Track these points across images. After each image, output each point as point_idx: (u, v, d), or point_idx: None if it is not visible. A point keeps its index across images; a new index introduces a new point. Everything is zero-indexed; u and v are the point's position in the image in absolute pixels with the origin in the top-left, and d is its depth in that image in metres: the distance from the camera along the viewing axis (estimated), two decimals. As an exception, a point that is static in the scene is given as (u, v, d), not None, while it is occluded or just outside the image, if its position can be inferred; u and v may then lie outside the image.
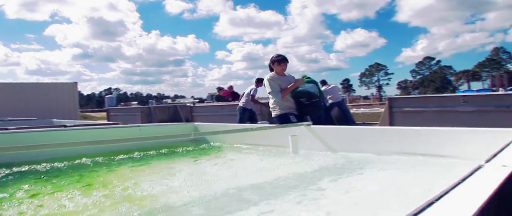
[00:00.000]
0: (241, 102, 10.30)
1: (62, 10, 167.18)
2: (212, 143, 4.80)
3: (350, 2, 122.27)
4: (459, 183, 1.08)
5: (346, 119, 12.18)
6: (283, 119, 4.97)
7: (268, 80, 5.16)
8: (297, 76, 5.55)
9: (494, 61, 77.76)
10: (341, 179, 2.76)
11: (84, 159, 3.73)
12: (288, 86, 5.08)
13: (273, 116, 5.27)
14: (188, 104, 15.50)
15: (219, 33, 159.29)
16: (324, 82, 12.26)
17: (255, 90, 10.17)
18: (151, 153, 4.20)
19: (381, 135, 3.35)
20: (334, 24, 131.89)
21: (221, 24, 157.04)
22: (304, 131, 3.80)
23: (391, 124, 8.23)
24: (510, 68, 76.10)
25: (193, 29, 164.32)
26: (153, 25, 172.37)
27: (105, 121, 17.94)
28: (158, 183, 2.91)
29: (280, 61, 5.23)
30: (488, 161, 1.27)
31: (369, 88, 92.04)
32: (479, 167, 1.21)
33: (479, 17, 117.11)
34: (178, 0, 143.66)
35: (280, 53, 5.23)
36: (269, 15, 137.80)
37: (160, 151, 4.32)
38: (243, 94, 10.47)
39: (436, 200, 0.94)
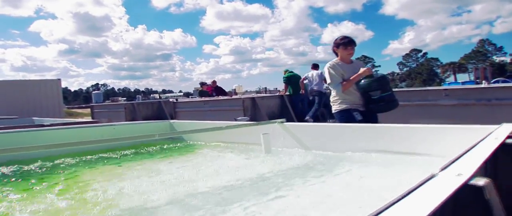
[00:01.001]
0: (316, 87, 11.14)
1: (47, 6, 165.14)
2: (188, 141, 4.73)
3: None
4: (409, 193, 1.00)
5: (328, 112, 12.03)
6: (344, 116, 4.12)
7: (329, 68, 4.23)
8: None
9: (480, 53, 78.33)
10: (310, 178, 2.69)
11: (56, 160, 3.67)
12: (352, 77, 4.10)
13: (333, 111, 4.31)
14: (171, 100, 15.31)
15: (206, 27, 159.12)
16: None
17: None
18: (126, 152, 4.13)
19: (355, 132, 3.27)
20: (321, 17, 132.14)
21: (208, 17, 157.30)
22: (278, 128, 3.72)
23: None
24: (496, 60, 76.87)
25: (180, 23, 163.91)
26: (139, 19, 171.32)
27: (86, 119, 17.80)
28: (129, 183, 2.84)
29: (346, 44, 4.21)
30: (443, 169, 1.18)
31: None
32: (432, 176, 1.12)
33: (465, 9, 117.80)
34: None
35: (346, 35, 4.33)
36: (256, 8, 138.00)
37: (136, 149, 4.25)
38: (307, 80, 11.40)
39: (382, 211, 0.86)
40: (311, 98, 11.54)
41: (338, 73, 4.14)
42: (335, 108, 4.21)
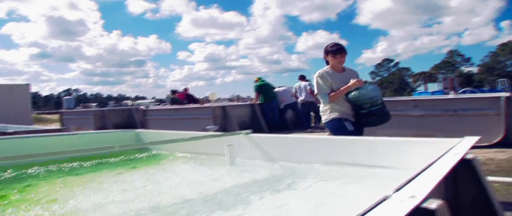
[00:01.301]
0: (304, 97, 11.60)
1: (20, 8, 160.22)
2: (153, 152, 4.62)
3: (312, 4, 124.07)
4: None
5: (299, 121, 12.15)
6: (335, 125, 3.93)
7: (317, 77, 4.00)
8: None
9: (449, 63, 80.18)
10: (272, 191, 2.65)
11: (14, 171, 3.56)
12: (341, 89, 3.88)
13: (323, 121, 4.12)
14: (141, 107, 15.10)
15: (182, 33, 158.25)
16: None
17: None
18: (89, 162, 4.03)
19: (321, 144, 3.23)
20: (296, 25, 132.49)
21: (183, 24, 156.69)
22: (243, 140, 3.65)
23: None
24: (464, 70, 78.84)
25: (155, 30, 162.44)
26: (114, 25, 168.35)
27: (55, 126, 17.39)
28: (88, 195, 2.75)
29: (334, 52, 3.97)
30: (397, 190, 1.13)
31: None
32: (386, 198, 1.07)
33: (436, 21, 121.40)
34: (141, 0, 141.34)
35: (336, 42, 4.10)
36: (232, 16, 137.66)
37: (100, 160, 4.13)
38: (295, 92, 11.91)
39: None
40: (299, 107, 11.71)
41: (326, 83, 3.94)
42: (325, 118, 4.04)
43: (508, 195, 3.74)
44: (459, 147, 1.92)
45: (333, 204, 2.36)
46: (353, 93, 3.81)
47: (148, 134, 5.09)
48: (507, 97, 6.61)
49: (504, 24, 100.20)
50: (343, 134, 3.73)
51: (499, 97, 6.63)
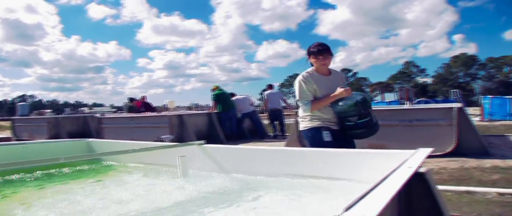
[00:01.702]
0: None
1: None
2: (104, 162, 4.44)
3: (273, 14, 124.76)
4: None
5: (256, 130, 12.19)
6: (312, 135, 3.63)
7: (300, 81, 3.60)
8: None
9: (405, 74, 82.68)
10: (226, 204, 2.58)
11: None
12: (325, 98, 3.52)
13: (301, 128, 3.78)
14: (97, 115, 14.73)
15: (142, 40, 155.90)
16: (232, 95, 12.35)
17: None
18: (35, 174, 3.83)
19: (276, 156, 3.15)
20: (256, 34, 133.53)
21: (144, 31, 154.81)
22: (196, 150, 3.53)
23: (299, 138, 8.18)
24: (419, 81, 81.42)
25: (115, 36, 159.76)
26: (74, 30, 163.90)
27: (5, 133, 16.70)
28: (32, 210, 2.63)
29: (315, 53, 3.58)
30: (347, 209, 1.07)
31: (288, 98, 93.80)
32: (335, 219, 1.01)
33: (393, 33, 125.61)
34: (102, 5, 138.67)
35: (320, 41, 3.70)
36: (193, 23, 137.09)
37: (48, 170, 3.93)
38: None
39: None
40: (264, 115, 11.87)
41: (309, 87, 3.54)
42: (303, 125, 3.69)
43: (460, 203, 3.79)
44: (413, 160, 1.89)
45: (296, 212, 2.33)
46: (340, 104, 3.44)
47: (100, 143, 4.90)
48: (459, 108, 6.78)
49: (457, 37, 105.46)
50: (318, 145, 3.45)
51: (451, 108, 6.78)
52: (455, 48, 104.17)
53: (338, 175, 2.70)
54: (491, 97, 19.72)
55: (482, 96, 21.89)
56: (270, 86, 12.95)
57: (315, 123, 3.58)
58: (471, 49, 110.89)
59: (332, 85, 3.58)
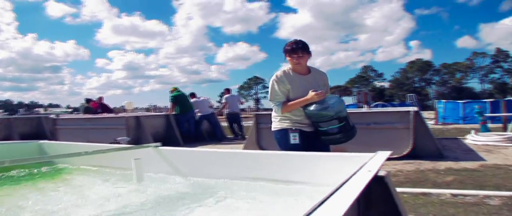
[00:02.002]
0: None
1: None
2: (57, 166, 4.25)
3: (235, 16, 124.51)
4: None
5: (215, 133, 12.15)
6: (280, 137, 3.51)
7: (273, 80, 3.45)
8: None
9: (363, 78, 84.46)
10: (182, 209, 2.48)
11: None
12: (297, 101, 3.35)
13: (272, 129, 3.65)
14: (51, 116, 14.25)
15: (101, 40, 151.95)
16: (193, 95, 12.32)
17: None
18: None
19: (234, 159, 3.08)
20: (217, 36, 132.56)
21: (104, 31, 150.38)
22: (152, 153, 3.43)
23: (258, 140, 8.18)
24: (377, 85, 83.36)
25: (74, 35, 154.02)
26: (30, 27, 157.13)
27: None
28: None
29: (289, 51, 3.38)
30: None
31: (247, 100, 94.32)
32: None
33: (352, 38, 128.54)
34: (61, 3, 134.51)
35: (298, 38, 3.55)
36: (154, 24, 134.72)
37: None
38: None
39: None
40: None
41: (282, 88, 3.38)
42: (274, 126, 3.58)
43: (416, 205, 3.85)
44: (372, 163, 1.87)
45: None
46: (311, 109, 3.24)
47: (53, 145, 4.70)
48: (415, 112, 6.92)
49: (413, 43, 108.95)
50: (285, 147, 3.42)
51: (408, 112, 6.92)
52: (411, 54, 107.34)
53: (296, 178, 2.66)
54: (445, 102, 20.37)
55: (436, 101, 22.54)
56: (228, 90, 13.01)
57: (284, 124, 3.46)
58: (426, 55, 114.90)
59: (308, 86, 3.38)
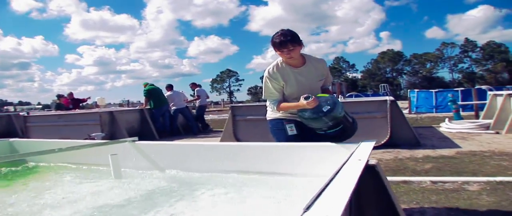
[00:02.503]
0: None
1: None
2: (30, 164, 4.09)
3: (205, 9, 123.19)
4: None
5: (190, 127, 12.06)
6: (275, 126, 3.23)
7: (266, 77, 3.13)
8: None
9: (335, 69, 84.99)
10: (163, 204, 2.40)
11: None
12: (290, 105, 3.03)
13: (266, 117, 3.36)
14: (21, 113, 13.84)
15: (70, 35, 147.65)
16: (170, 87, 12.16)
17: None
18: None
19: (214, 151, 3.01)
20: (188, 30, 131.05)
21: (72, 26, 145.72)
22: (129, 148, 3.32)
23: (234, 133, 8.11)
24: (349, 76, 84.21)
25: (41, 30, 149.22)
26: None
27: None
28: None
29: (277, 45, 2.98)
30: (307, 208, 0.95)
31: (220, 93, 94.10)
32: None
33: (324, 29, 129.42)
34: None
35: (281, 30, 3.03)
36: (124, 19, 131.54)
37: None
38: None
39: None
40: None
41: (275, 85, 3.09)
42: (268, 115, 3.33)
43: (398, 193, 3.86)
44: (359, 153, 1.82)
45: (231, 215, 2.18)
46: (305, 116, 2.85)
47: (24, 143, 4.52)
48: (392, 101, 6.95)
49: (383, 34, 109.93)
50: (279, 137, 3.18)
51: (385, 101, 6.94)
52: (382, 45, 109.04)
53: (281, 170, 2.61)
54: (417, 91, 20.65)
55: (409, 90, 22.85)
56: (195, 84, 13.07)
57: (279, 114, 3.21)
58: (396, 45, 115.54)
59: (304, 79, 3.11)
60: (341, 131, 2.84)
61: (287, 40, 2.93)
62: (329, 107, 2.73)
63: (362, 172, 1.52)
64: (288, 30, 3.01)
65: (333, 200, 1.01)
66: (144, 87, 11.56)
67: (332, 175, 1.33)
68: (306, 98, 2.75)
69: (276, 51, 3.02)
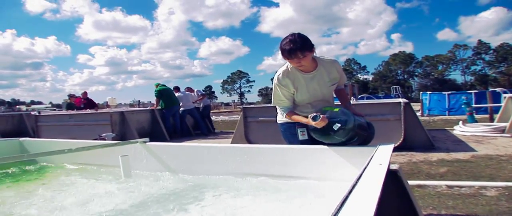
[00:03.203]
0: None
1: None
2: (39, 163, 4.06)
3: (217, 10, 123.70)
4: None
5: (198, 128, 12.04)
6: (286, 131, 3.06)
7: (275, 84, 2.93)
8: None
9: (346, 71, 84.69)
10: (174, 207, 2.35)
11: None
12: (299, 118, 2.81)
13: (277, 121, 3.18)
14: (33, 113, 13.88)
15: (82, 36, 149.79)
16: (177, 89, 12.13)
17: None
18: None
19: (225, 154, 2.93)
20: (200, 31, 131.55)
21: (85, 26, 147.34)
22: (139, 149, 3.27)
23: (246, 134, 8.03)
24: (360, 78, 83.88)
25: (54, 31, 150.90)
26: (9, 23, 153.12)
27: None
28: None
29: (287, 55, 2.71)
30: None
31: (230, 95, 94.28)
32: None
33: (335, 31, 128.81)
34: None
35: (290, 33, 2.79)
36: (136, 19, 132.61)
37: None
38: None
39: None
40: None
41: (286, 92, 2.89)
42: (278, 118, 3.14)
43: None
44: (379, 157, 1.74)
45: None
46: (316, 134, 2.64)
47: (34, 143, 4.50)
48: (406, 103, 6.84)
49: (394, 36, 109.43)
50: (292, 142, 2.98)
51: (399, 103, 6.83)
52: (393, 47, 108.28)
53: (296, 173, 2.53)
54: (430, 93, 20.43)
55: (421, 92, 22.62)
56: (176, 89, 12.98)
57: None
58: (407, 47, 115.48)
59: (316, 85, 2.92)
60: (357, 142, 2.60)
61: (296, 48, 2.68)
62: (340, 124, 2.49)
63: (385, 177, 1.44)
64: (298, 36, 2.75)
65: (359, 209, 0.94)
66: (156, 87, 11.54)
67: (354, 181, 1.25)
68: (314, 118, 2.51)
69: (284, 58, 2.78)
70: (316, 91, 2.91)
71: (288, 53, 2.69)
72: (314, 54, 2.87)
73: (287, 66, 2.89)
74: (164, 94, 11.34)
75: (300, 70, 2.86)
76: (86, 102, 13.53)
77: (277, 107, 3.09)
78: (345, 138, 2.52)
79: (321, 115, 2.50)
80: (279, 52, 2.79)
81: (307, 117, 2.64)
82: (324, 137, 2.55)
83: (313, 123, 2.52)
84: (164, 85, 11.65)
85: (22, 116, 14.29)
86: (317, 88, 2.90)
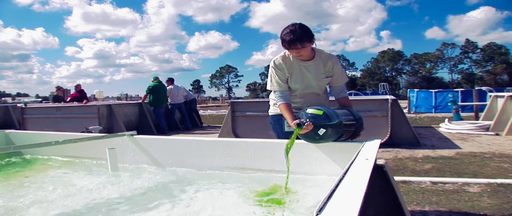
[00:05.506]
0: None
1: None
2: (25, 156, 4.02)
3: (207, 5, 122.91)
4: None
5: (183, 122, 12.02)
6: (273, 122, 3.11)
7: (272, 67, 2.95)
8: None
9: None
10: (161, 201, 2.34)
11: None
12: (286, 114, 2.74)
13: (268, 112, 3.22)
14: (19, 105, 13.73)
15: (71, 28, 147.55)
16: (170, 81, 12.03)
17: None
18: None
19: (213, 147, 2.93)
20: (189, 25, 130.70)
21: (73, 18, 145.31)
22: (127, 142, 3.26)
23: (233, 129, 8.05)
24: (348, 74, 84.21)
25: (42, 22, 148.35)
26: None
27: None
28: None
29: (287, 45, 2.77)
30: (320, 210, 0.89)
31: (218, 89, 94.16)
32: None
33: (324, 27, 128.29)
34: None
35: (291, 23, 2.82)
36: (125, 12, 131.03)
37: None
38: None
39: None
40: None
41: (281, 77, 2.90)
42: (270, 110, 3.18)
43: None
44: (366, 152, 1.76)
45: (232, 214, 2.12)
46: (302, 138, 2.55)
47: (20, 135, 4.45)
48: (393, 100, 6.90)
49: (384, 33, 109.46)
50: (278, 134, 3.05)
51: (387, 100, 6.89)
52: (382, 44, 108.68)
53: (280, 167, 2.53)
54: (417, 91, 20.59)
55: (408, 90, 22.80)
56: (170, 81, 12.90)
57: (279, 111, 2.95)
58: (396, 45, 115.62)
59: (310, 74, 2.94)
60: (345, 136, 2.58)
61: (296, 39, 2.71)
62: (324, 130, 2.41)
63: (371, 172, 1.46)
64: (299, 26, 2.77)
65: (346, 202, 0.95)
66: (152, 81, 11.37)
67: (341, 175, 1.27)
68: (299, 125, 2.44)
69: (284, 48, 2.83)
70: (310, 80, 2.95)
71: (288, 43, 2.74)
72: (314, 45, 2.92)
73: (285, 53, 2.94)
74: (154, 91, 11.21)
75: (298, 58, 2.91)
76: (79, 95, 13.34)
77: (270, 95, 3.12)
78: (331, 140, 2.48)
79: (306, 122, 2.43)
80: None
81: (294, 118, 2.62)
82: (310, 140, 2.53)
83: (297, 131, 2.47)
84: (160, 82, 11.45)
85: (8, 108, 14.12)
86: (310, 77, 2.94)
